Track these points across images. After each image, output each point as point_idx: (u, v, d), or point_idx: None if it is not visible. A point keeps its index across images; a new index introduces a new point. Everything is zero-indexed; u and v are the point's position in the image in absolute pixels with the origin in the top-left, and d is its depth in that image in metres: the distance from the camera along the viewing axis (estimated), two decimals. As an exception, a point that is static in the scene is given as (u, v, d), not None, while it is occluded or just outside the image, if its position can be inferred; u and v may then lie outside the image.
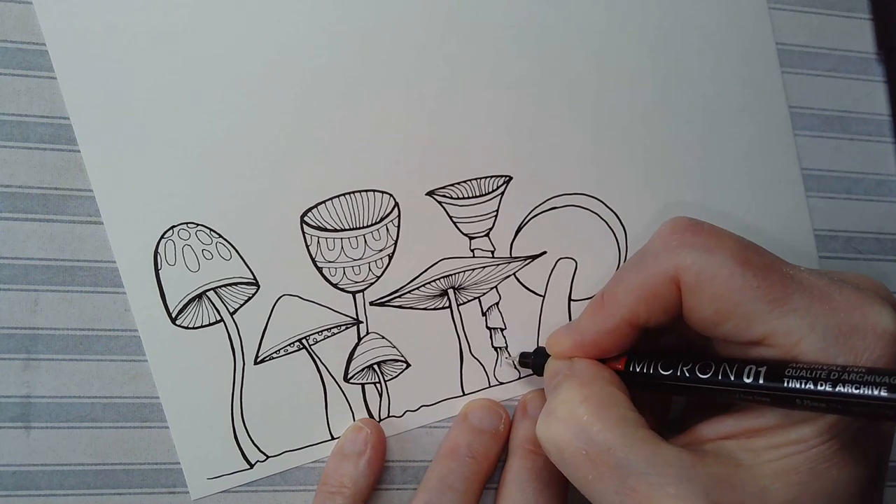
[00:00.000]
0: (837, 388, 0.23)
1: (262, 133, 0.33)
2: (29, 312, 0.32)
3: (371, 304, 0.33)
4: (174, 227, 0.32)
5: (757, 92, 0.37)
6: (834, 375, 0.23)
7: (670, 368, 0.28)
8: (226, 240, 0.32)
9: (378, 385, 0.34)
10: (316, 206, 0.33)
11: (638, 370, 0.29)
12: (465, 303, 0.34)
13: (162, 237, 0.32)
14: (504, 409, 0.34)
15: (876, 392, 0.22)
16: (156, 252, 0.32)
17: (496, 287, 0.34)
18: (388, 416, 0.34)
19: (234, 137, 0.32)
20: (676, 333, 0.31)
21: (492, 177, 0.34)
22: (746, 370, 0.25)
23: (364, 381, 0.33)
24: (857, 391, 0.22)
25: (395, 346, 0.34)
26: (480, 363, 0.34)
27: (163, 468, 0.32)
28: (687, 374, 0.27)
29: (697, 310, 0.27)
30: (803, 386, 0.23)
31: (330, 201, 0.33)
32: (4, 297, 0.31)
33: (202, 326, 0.32)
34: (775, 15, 0.37)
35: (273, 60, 0.33)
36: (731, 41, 0.36)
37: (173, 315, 0.32)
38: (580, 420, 0.26)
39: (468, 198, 0.34)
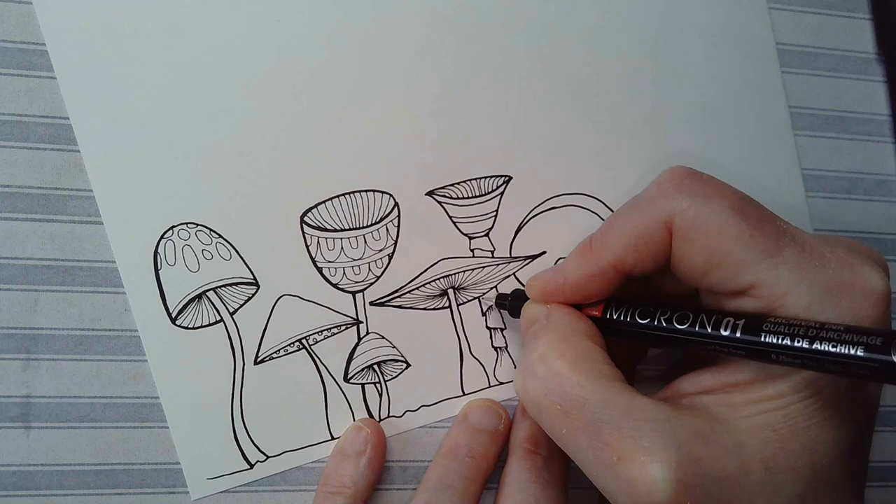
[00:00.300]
0: (814, 346, 0.22)
1: (262, 133, 0.33)
2: (29, 312, 0.32)
3: (371, 304, 0.33)
4: (174, 227, 0.32)
5: (757, 92, 0.37)
6: (812, 332, 0.23)
7: (647, 318, 0.28)
8: (226, 240, 0.32)
9: (378, 385, 0.34)
10: (316, 206, 0.33)
11: (615, 317, 0.29)
12: (465, 303, 0.34)
13: (162, 237, 0.32)
14: (504, 409, 0.34)
15: (852, 351, 0.22)
16: (156, 252, 0.32)
17: (496, 287, 0.34)
18: (388, 416, 0.34)
19: (233, 137, 0.32)
20: (655, 291, 0.31)
21: (492, 177, 0.34)
22: (724, 322, 0.25)
23: (364, 381, 0.33)
24: (833, 349, 0.22)
25: (395, 346, 0.34)
26: (480, 363, 0.34)
27: (163, 468, 0.32)
28: (664, 324, 0.27)
29: (687, 257, 0.27)
30: (780, 341, 0.23)
31: (330, 201, 0.33)
32: (4, 297, 0.31)
33: (202, 326, 0.32)
34: (775, 15, 0.37)
35: (273, 60, 0.33)
36: (731, 41, 0.36)
37: (173, 315, 0.32)
38: (556, 375, 0.26)
39: (468, 198, 0.34)
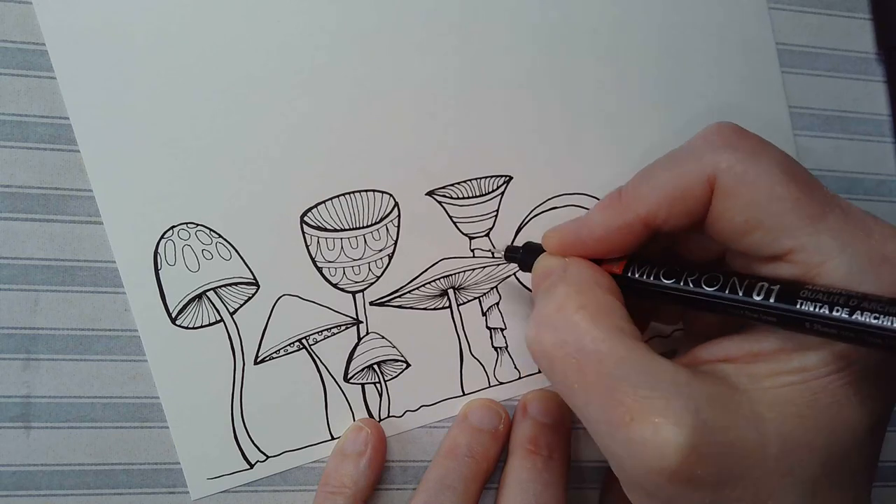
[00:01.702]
0: (854, 317, 0.21)
1: (262, 133, 0.33)
2: (29, 312, 0.32)
3: (371, 304, 0.33)
4: (174, 227, 0.32)
5: (757, 92, 0.37)
6: (853, 302, 0.21)
7: (673, 278, 0.26)
8: (226, 240, 0.32)
9: (378, 385, 0.34)
10: (316, 206, 0.33)
11: (638, 276, 0.27)
12: (465, 303, 0.34)
13: (162, 237, 0.32)
14: (504, 409, 0.34)
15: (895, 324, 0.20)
16: (156, 252, 0.32)
17: (496, 287, 0.34)
18: (388, 416, 0.34)
19: (233, 137, 0.32)
20: (675, 253, 0.30)
21: (492, 177, 0.34)
22: (758, 287, 0.24)
23: (364, 381, 0.33)
24: (874, 321, 0.21)
25: (395, 346, 0.34)
26: (480, 363, 0.34)
27: (163, 468, 0.32)
28: (691, 286, 0.26)
29: (727, 216, 0.25)
30: (818, 310, 0.22)
31: (330, 201, 0.33)
32: (4, 297, 0.31)
33: (202, 326, 0.32)
34: (775, 15, 0.37)
35: (273, 61, 0.33)
36: (731, 41, 0.36)
37: (173, 315, 0.32)
38: (574, 326, 0.25)
39: (468, 198, 0.34)
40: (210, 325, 0.32)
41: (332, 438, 0.33)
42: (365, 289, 0.33)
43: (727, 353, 0.25)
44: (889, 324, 0.21)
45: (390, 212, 0.33)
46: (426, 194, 0.34)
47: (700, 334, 0.30)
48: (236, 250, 0.32)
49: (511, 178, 0.34)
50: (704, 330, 0.30)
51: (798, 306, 0.23)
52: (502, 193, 0.34)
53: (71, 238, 0.32)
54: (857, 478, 0.25)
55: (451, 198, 0.34)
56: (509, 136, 0.34)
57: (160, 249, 0.32)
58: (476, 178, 0.34)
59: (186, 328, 0.32)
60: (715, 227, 0.26)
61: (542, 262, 0.29)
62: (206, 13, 0.32)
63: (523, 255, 0.31)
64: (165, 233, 0.32)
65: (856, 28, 0.38)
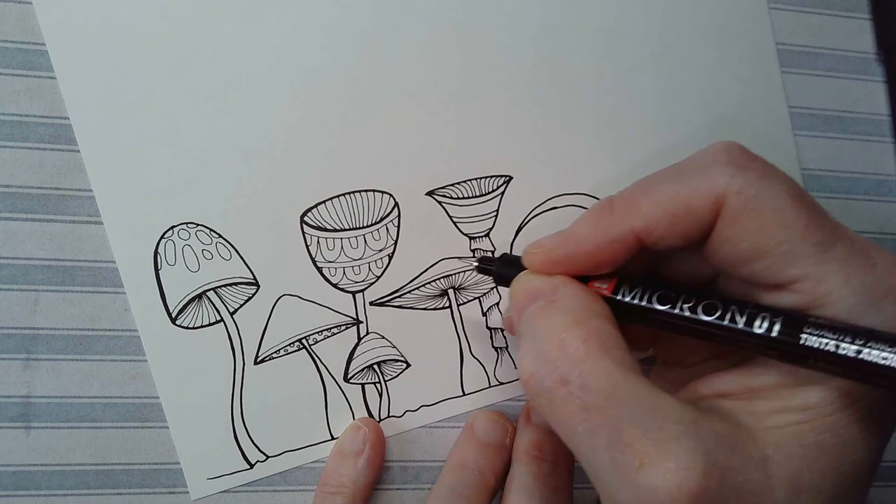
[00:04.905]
0: (862, 355, 0.20)
1: (262, 133, 0.33)
2: (29, 312, 0.32)
3: (371, 304, 0.33)
4: (174, 227, 0.32)
5: (757, 92, 0.37)
6: (860, 340, 0.20)
7: (668, 303, 0.24)
8: (226, 240, 0.32)
9: (378, 385, 0.34)
10: (316, 206, 0.33)
11: (629, 299, 0.25)
12: (465, 303, 0.34)
13: (162, 237, 0.32)
14: (511, 423, 0.33)
15: None
16: (156, 252, 0.32)
17: (496, 287, 0.34)
18: (388, 416, 0.34)
19: (233, 137, 0.32)
20: (663, 274, 0.28)
21: (492, 177, 0.34)
22: (760, 317, 0.23)
23: (364, 381, 0.33)
24: (883, 361, 0.20)
25: (395, 346, 0.34)
26: (480, 363, 0.34)
27: (163, 468, 0.32)
28: (688, 313, 0.24)
29: (732, 241, 0.24)
30: (823, 346, 0.21)
31: (330, 201, 0.33)
32: (4, 297, 0.31)
33: (202, 326, 0.32)
34: (775, 15, 0.37)
35: (273, 61, 0.33)
36: (731, 41, 0.36)
37: (173, 315, 0.32)
38: (578, 364, 0.23)
39: (468, 198, 0.34)
40: (210, 325, 0.32)
41: (332, 438, 0.33)
42: (365, 289, 0.33)
43: (726, 387, 0.24)
44: None
45: (390, 212, 0.33)
46: (426, 194, 0.34)
47: (674, 363, 0.29)
48: (236, 250, 0.32)
49: (511, 177, 0.34)
50: (679, 358, 0.29)
51: (802, 342, 0.22)
52: (502, 193, 0.34)
53: (71, 238, 0.32)
54: None
55: (451, 198, 0.34)
56: (509, 136, 0.34)
57: (160, 249, 0.32)
58: (476, 178, 0.34)
59: (186, 328, 0.32)
60: (718, 251, 0.24)
61: (525, 282, 0.27)
62: (206, 13, 0.32)
63: (500, 268, 0.29)
64: (165, 233, 0.32)
65: (856, 28, 0.38)
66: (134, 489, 0.32)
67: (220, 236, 0.32)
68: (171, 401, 0.32)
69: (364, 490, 0.32)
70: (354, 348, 0.33)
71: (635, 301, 0.25)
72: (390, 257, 0.34)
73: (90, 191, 0.32)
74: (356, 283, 0.33)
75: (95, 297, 0.32)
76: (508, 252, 0.33)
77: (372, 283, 0.33)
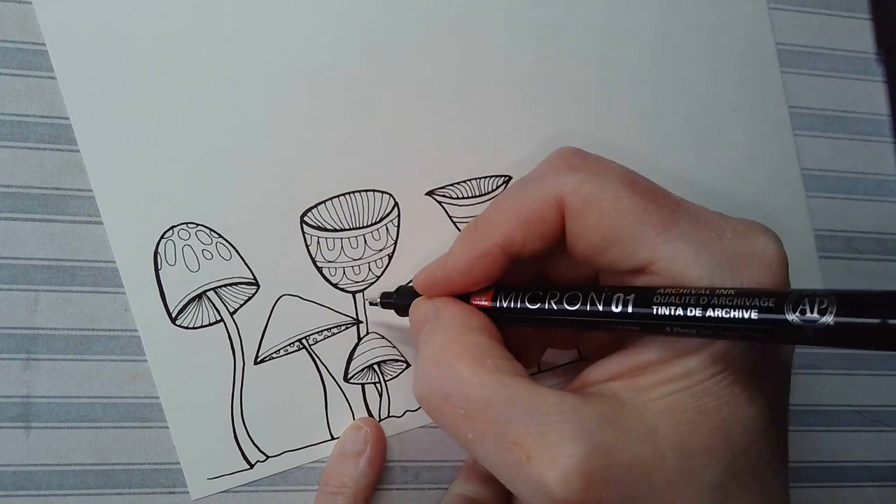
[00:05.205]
0: (707, 313, 0.22)
1: (262, 133, 0.33)
2: (29, 312, 0.32)
3: (371, 303, 0.33)
4: (174, 227, 0.32)
5: (756, 92, 0.37)
6: (703, 300, 0.22)
7: (538, 302, 0.26)
8: (226, 240, 0.32)
9: (378, 385, 0.34)
10: (316, 205, 0.33)
11: (505, 305, 0.27)
12: (465, 303, 0.34)
13: (162, 237, 0.32)
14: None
15: (746, 315, 0.21)
16: (156, 252, 0.32)
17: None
18: (389, 416, 0.34)
19: (233, 137, 0.32)
20: (555, 279, 0.30)
21: (492, 177, 0.34)
22: (615, 298, 0.24)
23: (364, 381, 0.33)
24: (726, 315, 0.21)
25: (395, 346, 0.34)
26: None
27: (163, 468, 0.32)
28: (555, 307, 0.26)
29: (583, 236, 0.26)
30: (672, 312, 0.22)
31: (330, 201, 0.33)
32: (4, 297, 0.31)
33: (202, 326, 0.32)
34: (775, 15, 0.37)
35: (273, 61, 0.33)
36: (731, 41, 0.36)
37: (173, 315, 0.32)
38: (455, 378, 0.24)
39: (468, 198, 0.34)
40: (210, 325, 0.32)
41: (333, 438, 0.33)
42: (365, 289, 0.33)
43: (612, 370, 0.25)
44: (740, 315, 0.21)
45: (390, 212, 0.33)
46: (426, 194, 0.34)
47: (596, 357, 0.30)
48: (236, 250, 0.32)
49: (511, 178, 0.34)
50: (597, 352, 0.30)
51: (654, 311, 0.23)
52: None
53: (71, 238, 0.32)
54: (768, 474, 0.25)
55: (451, 198, 0.34)
56: (509, 136, 0.34)
57: (160, 249, 0.32)
58: (476, 178, 0.34)
59: (186, 328, 0.32)
60: (575, 248, 0.26)
61: (415, 309, 0.29)
62: (206, 13, 0.32)
63: (397, 300, 0.31)
64: (165, 233, 0.32)
65: (856, 28, 0.38)
66: (134, 489, 0.32)
67: (220, 236, 0.32)
68: (171, 401, 0.32)
69: (365, 490, 0.32)
70: (354, 348, 0.33)
71: (512, 305, 0.27)
72: (390, 257, 0.34)
73: (90, 191, 0.32)
74: (356, 282, 0.33)
75: (95, 297, 0.32)
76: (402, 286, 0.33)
77: (372, 283, 0.33)
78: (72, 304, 0.32)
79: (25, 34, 0.32)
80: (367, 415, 0.33)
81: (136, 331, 0.32)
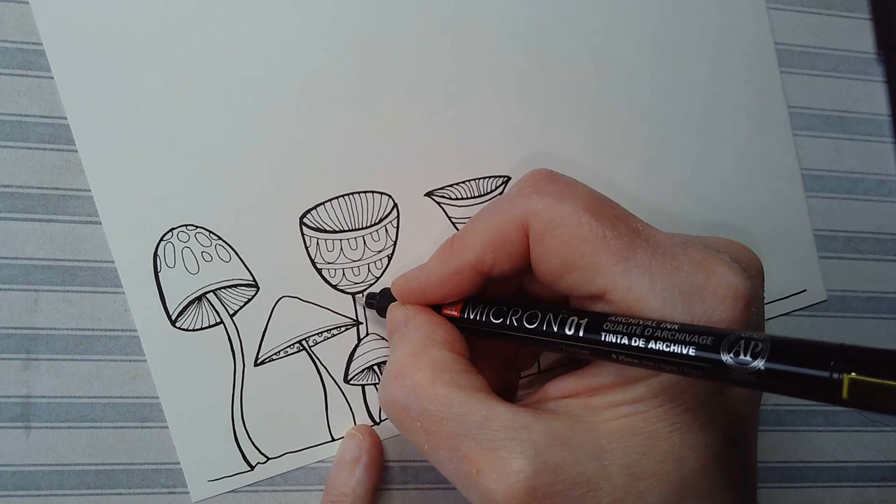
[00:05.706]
0: (650, 345, 0.22)
1: (261, 135, 0.33)
2: (29, 312, 0.32)
3: (360, 302, 0.33)
4: (173, 229, 0.32)
5: (756, 92, 0.37)
6: (648, 332, 0.23)
7: (501, 317, 0.27)
8: (225, 242, 0.32)
9: (378, 386, 0.34)
10: (315, 207, 0.33)
11: (472, 317, 0.28)
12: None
13: (161, 239, 0.32)
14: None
15: (684, 350, 0.22)
16: (155, 254, 0.32)
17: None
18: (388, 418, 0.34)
19: (232, 139, 0.32)
20: (530, 295, 0.31)
21: (491, 177, 0.34)
22: (569, 321, 0.25)
23: (364, 382, 0.33)
24: (666, 348, 0.22)
25: (394, 347, 0.34)
26: (480, 363, 0.34)
27: (163, 468, 0.32)
28: (515, 324, 0.27)
29: (544, 258, 0.26)
30: (619, 340, 0.23)
31: (329, 202, 0.33)
32: (4, 297, 0.31)
33: (202, 328, 0.32)
34: (774, 15, 0.37)
35: (272, 62, 0.33)
36: (731, 41, 0.36)
37: (173, 317, 0.32)
38: (413, 392, 0.26)
39: (467, 198, 0.34)
40: (210, 327, 0.32)
41: (333, 440, 0.33)
42: (365, 290, 0.33)
43: (569, 388, 0.26)
44: (679, 350, 0.22)
45: (389, 213, 0.33)
46: (425, 195, 0.34)
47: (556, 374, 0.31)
48: (236, 252, 0.32)
49: (510, 178, 0.34)
50: (558, 370, 0.31)
51: (603, 337, 0.24)
52: (501, 194, 0.34)
53: (71, 238, 0.32)
54: (721, 498, 0.25)
55: (451, 198, 0.34)
56: (509, 136, 0.34)
57: (159, 252, 0.32)
58: (475, 179, 0.34)
59: (186, 330, 0.32)
60: (538, 270, 0.27)
61: (390, 314, 0.30)
62: (205, 14, 0.32)
63: (380, 302, 0.32)
64: (164, 235, 0.32)
65: (856, 28, 0.38)
66: (134, 489, 0.32)
67: (220, 238, 0.32)
68: (171, 404, 0.32)
69: (365, 496, 0.32)
70: (354, 349, 0.33)
71: (478, 318, 0.28)
72: (389, 258, 0.34)
73: (90, 191, 0.32)
74: (356, 284, 0.33)
75: (95, 297, 0.32)
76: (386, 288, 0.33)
77: (372, 285, 0.33)
78: (72, 304, 0.32)
79: (25, 34, 0.32)
80: (367, 416, 0.34)
81: (136, 331, 0.32)
